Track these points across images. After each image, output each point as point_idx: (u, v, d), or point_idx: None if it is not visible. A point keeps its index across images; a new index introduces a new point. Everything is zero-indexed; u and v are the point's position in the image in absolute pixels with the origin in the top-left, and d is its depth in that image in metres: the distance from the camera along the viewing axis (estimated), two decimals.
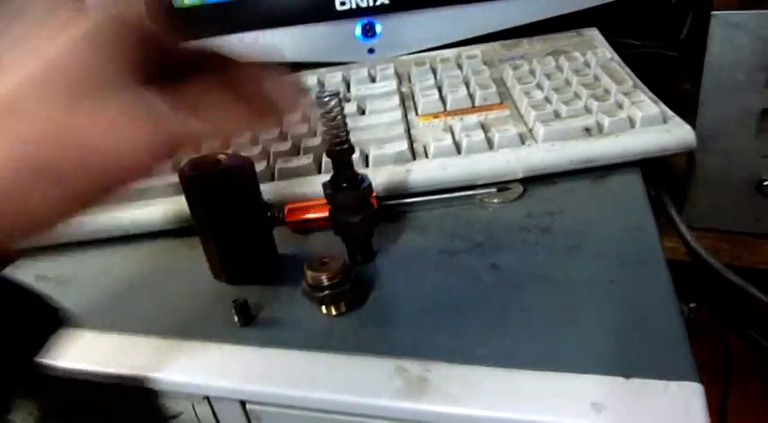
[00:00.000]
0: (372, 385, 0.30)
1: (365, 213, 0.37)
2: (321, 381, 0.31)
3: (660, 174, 0.52)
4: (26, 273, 0.45)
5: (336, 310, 0.34)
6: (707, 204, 0.50)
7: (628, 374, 0.28)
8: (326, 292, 0.33)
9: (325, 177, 0.45)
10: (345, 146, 0.35)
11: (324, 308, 0.34)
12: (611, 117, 0.45)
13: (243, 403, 0.33)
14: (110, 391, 0.35)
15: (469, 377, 0.29)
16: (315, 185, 0.45)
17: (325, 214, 0.41)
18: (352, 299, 0.35)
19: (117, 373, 0.34)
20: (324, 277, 0.33)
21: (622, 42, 0.61)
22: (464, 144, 0.45)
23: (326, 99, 0.34)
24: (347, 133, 0.35)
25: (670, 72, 0.62)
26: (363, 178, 0.37)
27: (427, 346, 0.31)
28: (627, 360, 0.29)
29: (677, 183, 0.54)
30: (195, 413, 0.34)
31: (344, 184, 0.36)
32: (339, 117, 0.34)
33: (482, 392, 0.28)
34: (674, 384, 0.27)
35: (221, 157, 0.38)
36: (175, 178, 0.46)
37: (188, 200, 0.37)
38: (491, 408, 0.27)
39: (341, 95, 0.34)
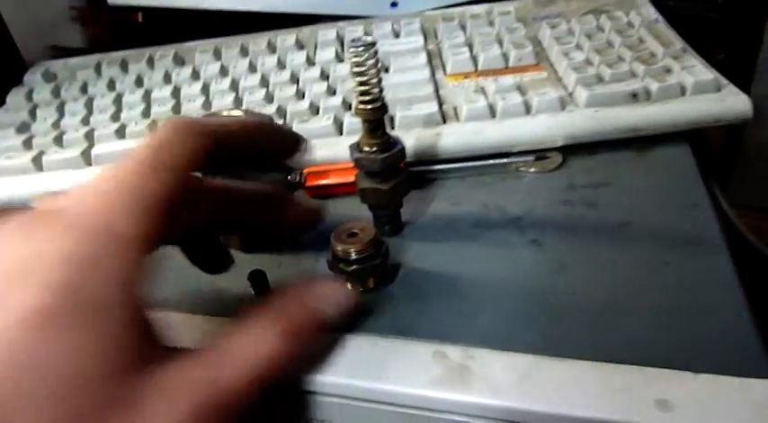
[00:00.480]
0: (408, 372, 0.27)
1: (397, 180, 0.33)
2: (349, 365, 0.28)
3: (698, 146, 0.49)
4: None
5: (364, 286, 0.31)
6: (755, 180, 0.47)
7: (696, 369, 0.25)
8: (355, 266, 0.30)
9: (347, 140, 0.42)
10: (378, 104, 0.31)
11: (350, 283, 0.31)
12: (659, 82, 0.42)
13: None
14: None
15: (518, 366, 0.26)
16: (335, 148, 0.41)
17: (350, 179, 0.38)
18: (382, 274, 0.31)
19: None
20: (352, 250, 0.30)
21: (658, 2, 0.57)
22: (499, 107, 0.42)
23: (361, 49, 0.30)
24: (381, 90, 0.31)
25: (709, 37, 0.58)
26: (396, 141, 0.33)
27: (467, 329, 0.28)
28: (692, 352, 0.26)
29: (712, 157, 0.50)
30: None
31: (374, 147, 0.32)
32: (373, 71, 0.31)
33: (533, 385, 0.25)
34: (749, 382, 0.24)
35: (236, 114, 0.34)
36: None
37: None
38: (544, 402, 0.25)
39: (377, 47, 0.30)
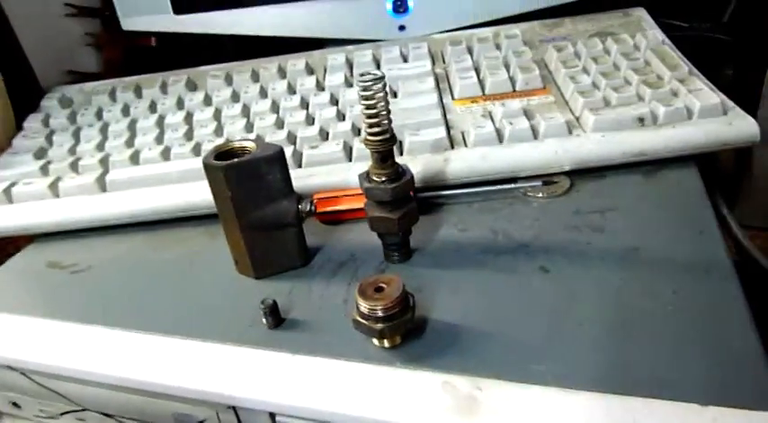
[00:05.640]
0: (417, 402, 0.27)
1: (406, 209, 0.34)
2: (360, 395, 0.28)
3: (707, 167, 0.49)
4: (36, 259, 0.43)
5: (391, 342, 0.30)
6: (763, 202, 0.47)
7: (703, 401, 0.25)
8: (384, 324, 0.28)
9: (356, 166, 0.42)
10: (387, 135, 0.32)
11: (377, 340, 0.30)
12: (666, 106, 0.42)
13: (272, 415, 0.30)
14: (126, 392, 0.33)
15: (526, 397, 0.26)
16: (344, 174, 0.42)
17: (360, 205, 0.39)
18: (411, 330, 0.30)
19: (135, 378, 0.32)
20: (380, 306, 0.28)
21: (666, 24, 0.57)
22: (507, 132, 0.42)
23: (369, 82, 0.30)
24: (389, 122, 0.32)
25: (717, 58, 0.58)
26: (404, 170, 0.34)
27: (476, 359, 0.29)
28: (700, 384, 0.26)
29: (722, 177, 0.50)
30: (219, 422, 0.32)
31: (384, 177, 0.33)
32: (382, 104, 0.31)
33: (541, 416, 0.26)
34: (757, 415, 0.24)
35: (248, 144, 0.35)
36: (192, 163, 0.44)
37: (214, 190, 0.34)
38: None
39: (385, 80, 0.31)
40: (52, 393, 0.36)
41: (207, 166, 0.33)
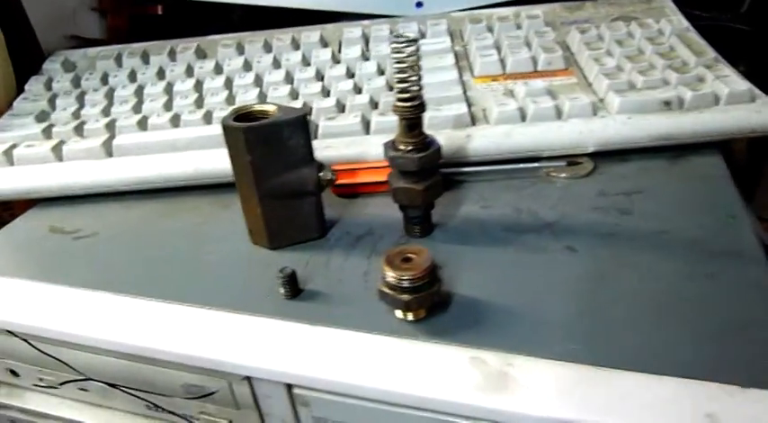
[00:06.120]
0: (444, 377, 0.26)
1: (431, 181, 0.32)
2: (383, 368, 0.27)
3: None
4: (38, 224, 0.41)
5: (415, 315, 0.29)
6: None
7: (744, 383, 0.24)
8: (411, 295, 0.27)
9: (374, 139, 0.41)
10: (417, 102, 0.31)
11: (403, 312, 0.29)
12: (693, 91, 0.41)
13: (289, 387, 0.29)
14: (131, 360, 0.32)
15: (560, 375, 0.25)
16: (362, 147, 0.40)
17: (378, 179, 0.37)
18: (438, 303, 0.29)
19: (144, 345, 0.30)
20: (407, 276, 0.27)
21: (685, 13, 0.57)
22: (530, 111, 0.41)
23: (403, 44, 0.29)
24: (420, 88, 0.31)
25: (737, 47, 0.57)
26: (432, 140, 0.32)
27: (504, 335, 0.28)
28: (740, 366, 0.25)
29: (736, 169, 0.50)
30: (232, 393, 0.31)
31: (410, 146, 0.32)
32: (414, 67, 0.30)
33: (578, 394, 0.24)
34: None
35: (269, 108, 0.33)
36: (203, 130, 0.42)
37: (232, 154, 0.33)
38: (590, 413, 0.24)
39: (419, 43, 0.29)
40: (54, 361, 0.34)
41: (226, 128, 0.32)
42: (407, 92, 0.30)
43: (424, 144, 0.32)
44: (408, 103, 0.30)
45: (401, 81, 0.30)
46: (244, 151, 0.32)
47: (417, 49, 0.29)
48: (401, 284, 0.27)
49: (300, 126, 0.32)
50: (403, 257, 0.28)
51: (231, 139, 0.32)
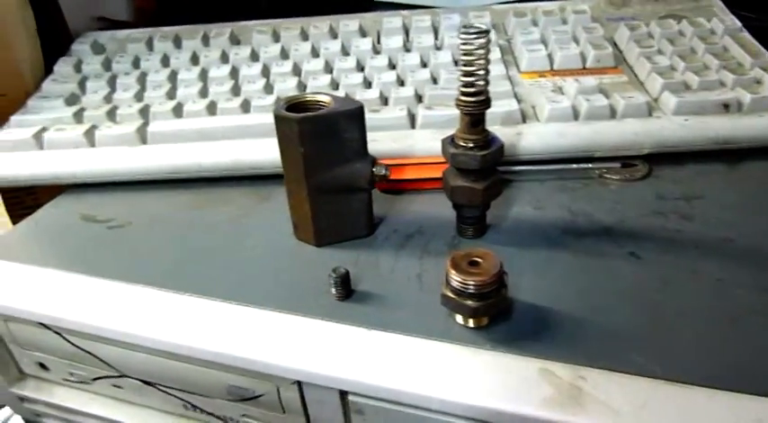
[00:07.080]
0: (513, 390, 0.25)
1: (491, 180, 0.31)
2: (446, 377, 0.25)
3: None
4: (69, 211, 0.40)
5: (477, 323, 0.27)
6: None
7: None
8: (477, 302, 0.26)
9: (420, 133, 0.40)
10: (483, 97, 0.29)
11: (466, 319, 0.27)
12: (752, 94, 0.39)
13: (343, 394, 0.27)
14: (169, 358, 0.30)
15: (634, 390, 0.24)
16: (409, 141, 0.39)
17: (428, 175, 0.36)
18: (503, 311, 0.27)
19: (189, 344, 0.29)
20: (473, 282, 0.25)
21: (732, 13, 0.55)
22: (583, 109, 0.39)
23: (473, 36, 0.27)
24: (487, 83, 0.29)
25: None
26: (494, 138, 0.31)
27: (571, 346, 0.26)
28: None
29: None
30: (279, 398, 0.29)
31: (472, 144, 0.30)
32: (482, 61, 0.28)
33: (653, 410, 0.23)
34: None
35: (323, 98, 0.32)
36: (241, 120, 0.41)
37: (283, 145, 0.31)
38: None
39: (490, 35, 0.28)
40: (88, 356, 0.33)
41: (279, 118, 0.30)
42: (473, 86, 0.29)
43: (486, 141, 0.30)
44: (474, 98, 0.29)
45: (468, 74, 0.28)
46: (296, 143, 0.30)
47: (488, 42, 0.28)
48: (467, 290, 0.26)
49: (357, 118, 0.31)
50: (469, 261, 0.26)
51: (284, 130, 0.30)
